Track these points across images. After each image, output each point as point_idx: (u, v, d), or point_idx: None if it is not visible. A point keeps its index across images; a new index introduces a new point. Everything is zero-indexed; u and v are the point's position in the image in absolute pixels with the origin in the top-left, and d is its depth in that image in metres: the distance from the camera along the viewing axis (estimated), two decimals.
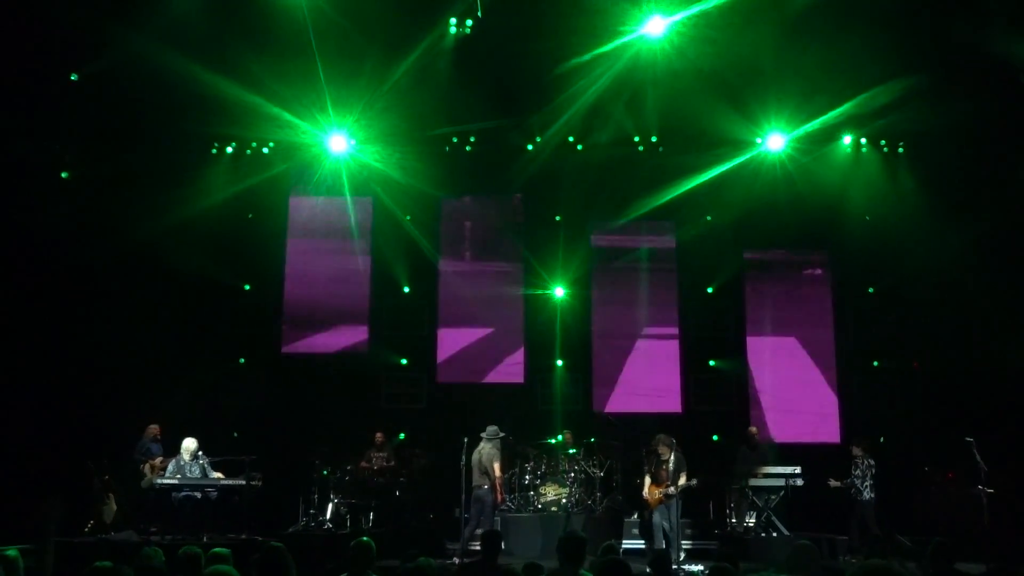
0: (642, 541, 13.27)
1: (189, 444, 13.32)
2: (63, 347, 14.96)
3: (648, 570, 8.13)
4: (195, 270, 16.02)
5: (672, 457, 12.34)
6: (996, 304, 14.62)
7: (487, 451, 12.56)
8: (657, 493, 12.37)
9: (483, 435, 12.73)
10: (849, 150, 16.80)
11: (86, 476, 13.66)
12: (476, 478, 12.55)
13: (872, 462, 13.45)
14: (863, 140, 16.71)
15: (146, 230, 15.24)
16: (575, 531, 7.07)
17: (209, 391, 16.17)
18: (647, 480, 12.66)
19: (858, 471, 13.29)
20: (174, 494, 12.77)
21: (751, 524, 14.19)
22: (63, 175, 15.66)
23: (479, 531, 12.09)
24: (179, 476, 13.01)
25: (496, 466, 12.46)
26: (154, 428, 14.03)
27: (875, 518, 13.24)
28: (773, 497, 14.36)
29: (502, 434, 12.85)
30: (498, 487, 12.41)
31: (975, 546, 11.27)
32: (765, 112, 15.60)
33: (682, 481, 12.23)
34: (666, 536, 12.12)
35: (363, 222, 17.49)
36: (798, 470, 14.15)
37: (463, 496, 12.66)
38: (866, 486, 13.19)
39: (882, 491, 13.69)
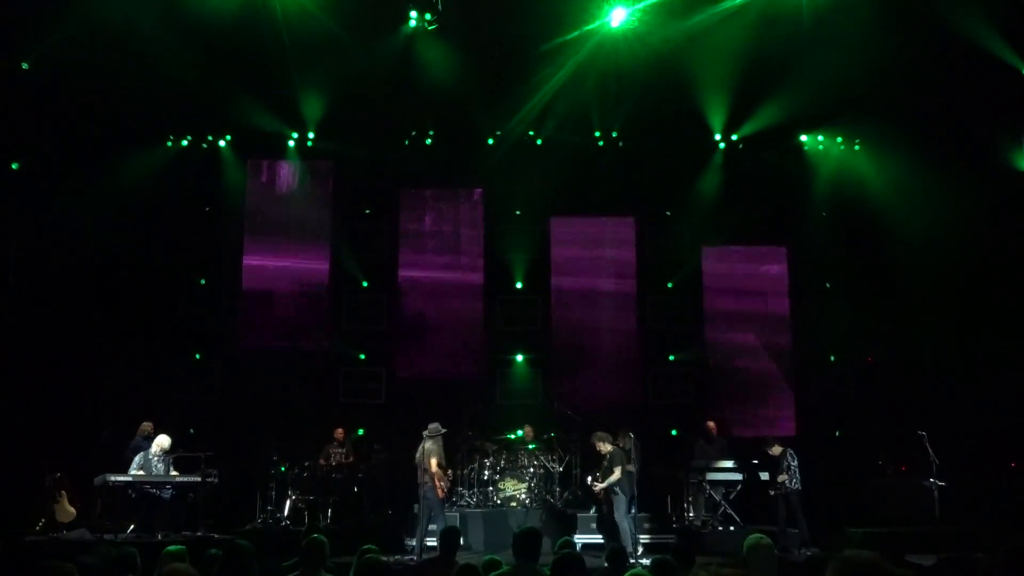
0: (600, 536, 13.39)
1: (163, 441, 13.18)
2: (11, 342, 14.75)
3: (605, 564, 8.22)
4: (150, 264, 15.90)
5: (610, 452, 12.56)
6: (949, 299, 14.91)
7: (427, 448, 12.63)
8: (595, 488, 12.68)
9: (425, 432, 12.80)
10: (807, 147, 17.08)
11: (37, 474, 13.48)
12: (419, 475, 12.63)
13: (793, 453, 13.60)
14: (820, 137, 16.98)
15: (99, 223, 15.07)
16: (531, 526, 7.10)
17: (164, 386, 16.06)
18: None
19: (787, 467, 13.41)
20: (131, 491, 12.64)
21: (708, 518, 14.36)
22: (13, 166, 15.43)
23: (432, 527, 12.16)
24: (142, 471, 12.88)
25: (433, 462, 12.51)
26: (147, 426, 13.84)
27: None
28: (730, 491, 14.55)
29: (443, 430, 12.90)
30: (436, 483, 12.45)
31: (926, 537, 11.51)
32: (725, 105, 15.79)
33: (613, 477, 12.43)
34: (620, 530, 12.28)
35: (322, 215, 17.43)
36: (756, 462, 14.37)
37: (420, 492, 12.72)
38: (796, 479, 13.36)
39: (836, 483, 13.92)
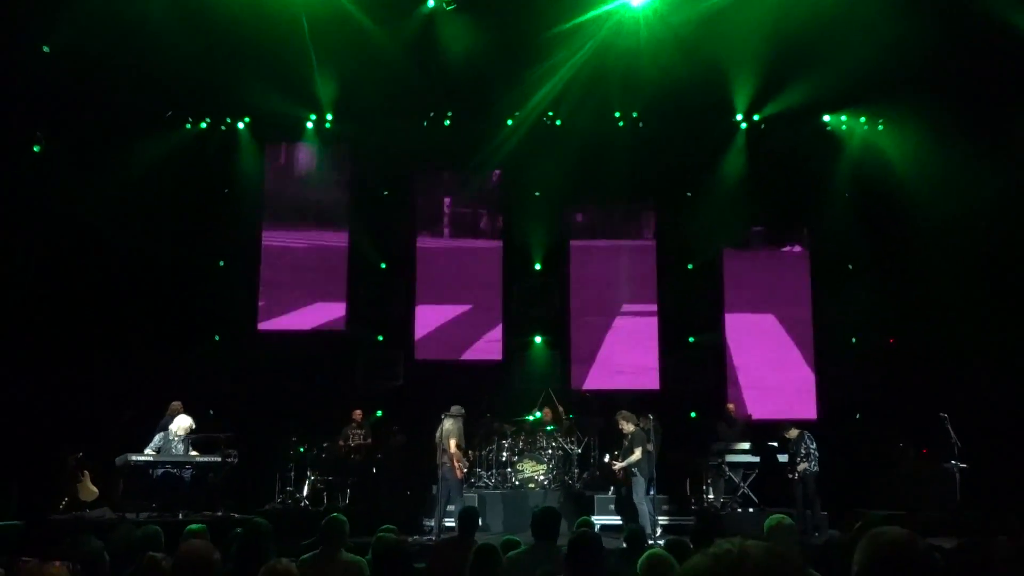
0: (618, 517, 13.43)
1: (184, 422, 13.28)
2: (33, 326, 14.88)
3: (624, 546, 8.24)
4: (169, 246, 15.98)
5: (632, 432, 12.58)
6: (973, 281, 14.80)
7: (446, 428, 12.72)
8: (613, 467, 12.72)
9: (443, 414, 12.87)
10: (831, 127, 16.97)
11: (59, 455, 13.63)
12: (438, 456, 12.71)
13: (811, 436, 13.58)
14: (843, 117, 16.86)
15: (118, 206, 15.15)
16: (549, 506, 7.13)
17: (184, 369, 16.16)
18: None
19: (805, 450, 13.39)
20: (152, 471, 12.77)
21: (727, 500, 14.38)
22: (35, 148, 15.51)
23: (450, 508, 12.23)
24: (159, 451, 12.99)
25: (452, 442, 12.58)
26: (176, 405, 13.94)
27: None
28: (749, 473, 14.55)
29: (463, 411, 12.97)
30: (454, 464, 12.52)
31: (947, 521, 11.47)
32: (747, 87, 15.70)
33: (632, 457, 12.45)
34: (639, 512, 12.32)
35: (340, 197, 17.48)
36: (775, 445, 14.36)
37: (439, 473, 12.80)
38: (814, 462, 13.35)
39: (856, 466, 13.89)
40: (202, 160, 16.57)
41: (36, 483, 13.32)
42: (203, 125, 16.81)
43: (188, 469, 12.96)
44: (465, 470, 12.98)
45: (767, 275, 17.52)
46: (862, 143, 16.91)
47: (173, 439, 13.16)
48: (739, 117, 16.74)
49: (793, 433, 13.58)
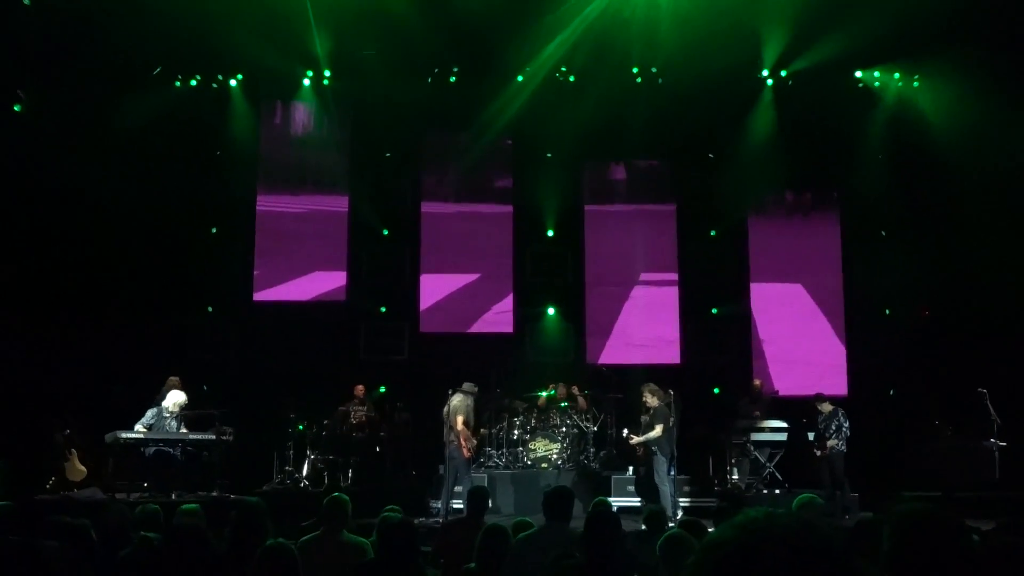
0: (637, 498, 13.50)
1: (178, 397, 13.35)
2: (17, 297, 14.96)
3: (643, 527, 8.28)
4: (158, 212, 15.98)
5: (655, 408, 12.61)
6: (1014, 247, 14.72)
7: (454, 404, 12.77)
8: (632, 442, 12.83)
9: (451, 390, 12.94)
10: (863, 84, 16.86)
11: (46, 431, 13.74)
12: (445, 434, 12.79)
13: (845, 413, 13.61)
14: (876, 73, 16.74)
15: (103, 169, 15.15)
16: (562, 485, 7.17)
17: (176, 342, 16.24)
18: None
19: (836, 427, 13.41)
20: (144, 449, 12.86)
21: (752, 480, 14.43)
22: (16, 108, 15.52)
23: (458, 488, 12.31)
24: (151, 427, 13.08)
25: (459, 419, 12.63)
26: (174, 380, 14.05)
27: None
28: (775, 452, 14.58)
29: (476, 388, 13.02)
30: (461, 442, 12.59)
31: (986, 502, 11.50)
32: (774, 41, 15.59)
33: (652, 434, 12.50)
34: (660, 493, 12.38)
35: (339, 159, 17.46)
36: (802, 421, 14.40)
37: (446, 452, 12.87)
38: (843, 441, 13.40)
39: (889, 445, 13.90)
40: (192, 120, 16.50)
41: (21, 461, 13.45)
42: (193, 83, 16.76)
43: (181, 447, 13.05)
44: (473, 449, 13.03)
45: (795, 242, 17.46)
46: (896, 100, 16.81)
47: (166, 415, 13.23)
48: (765, 73, 16.63)
49: (826, 407, 13.61)
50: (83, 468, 13.74)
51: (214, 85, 16.92)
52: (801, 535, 1.47)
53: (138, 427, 13.00)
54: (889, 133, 16.69)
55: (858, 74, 16.74)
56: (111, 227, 15.78)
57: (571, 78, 16.69)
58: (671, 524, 10.04)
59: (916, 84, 16.70)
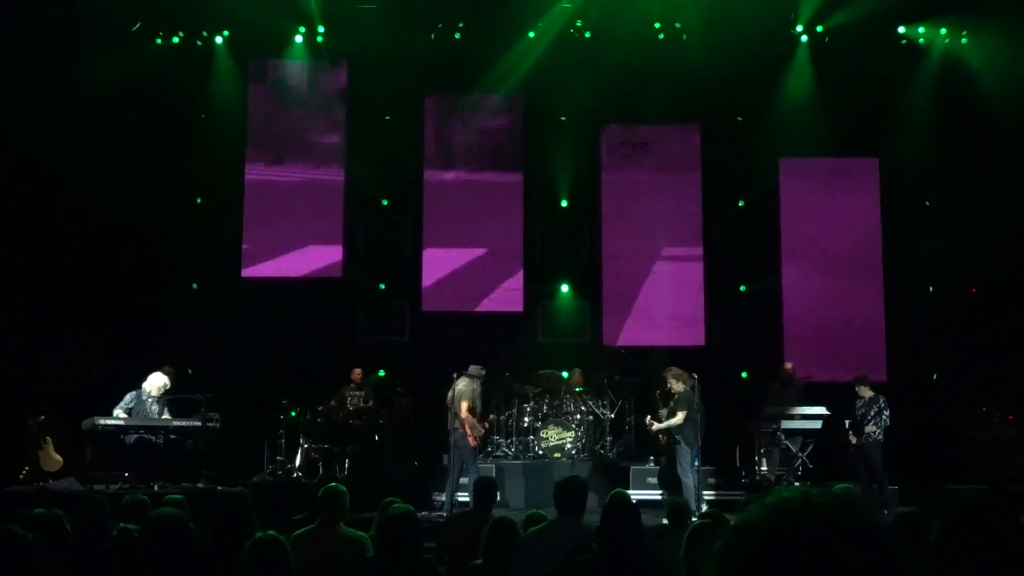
0: (658, 491, 13.52)
1: (158, 381, 13.34)
2: None
3: (665, 521, 8.29)
4: (138, 180, 15.97)
5: (679, 393, 12.61)
6: None
7: (459, 389, 12.81)
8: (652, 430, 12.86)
9: (456, 373, 12.95)
10: (905, 40, 16.74)
11: (19, 418, 13.78)
12: (449, 421, 12.81)
13: (886, 401, 13.61)
14: (921, 29, 16.61)
15: (80, 133, 15.15)
16: (575, 476, 7.16)
17: (158, 321, 16.26)
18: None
19: (876, 414, 13.40)
20: (124, 436, 12.90)
21: (782, 472, 14.42)
22: None
23: (463, 480, 12.33)
24: (131, 412, 13.10)
25: (463, 405, 12.65)
26: (167, 370, 14.07)
27: None
28: (808, 442, 14.57)
29: (483, 372, 13.03)
30: (465, 429, 12.61)
31: None
32: None
33: (673, 420, 12.51)
34: (683, 485, 12.41)
35: (335, 124, 17.41)
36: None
37: (451, 441, 12.90)
38: (880, 430, 13.38)
39: (933, 434, 13.87)
40: (174, 82, 16.48)
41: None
42: (175, 40, 16.70)
43: (164, 434, 13.07)
44: (480, 438, 13.05)
45: (831, 213, 17.36)
46: (943, 58, 16.67)
47: (146, 399, 13.25)
48: (800, 29, 16.51)
49: (867, 393, 13.59)
50: (59, 458, 13.78)
51: (198, 43, 16.86)
52: (839, 515, 1.45)
53: (117, 411, 13.01)
54: (934, 94, 16.56)
55: (901, 29, 16.60)
56: (87, 198, 15.79)
57: (587, 34, 16.59)
58: (694, 519, 10.06)
59: (964, 40, 16.56)
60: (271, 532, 4.20)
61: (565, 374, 15.69)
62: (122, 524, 5.56)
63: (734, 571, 1.45)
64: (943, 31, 16.62)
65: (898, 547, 1.47)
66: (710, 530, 4.86)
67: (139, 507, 6.44)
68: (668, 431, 12.80)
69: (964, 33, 16.53)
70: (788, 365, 15.65)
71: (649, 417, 13.53)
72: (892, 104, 16.76)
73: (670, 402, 12.95)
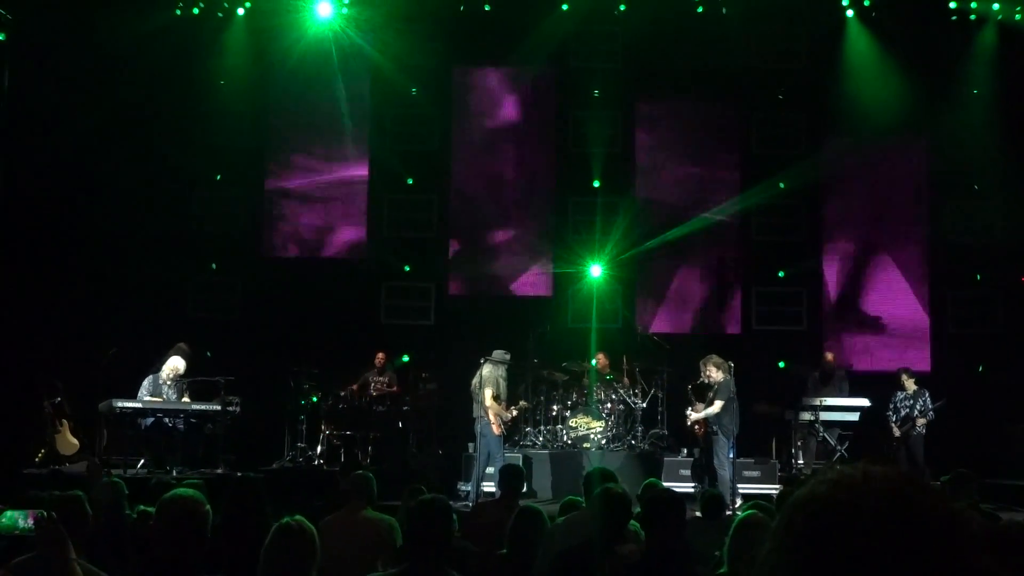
0: (691, 484, 13.51)
1: (178, 364, 13.49)
2: (3, 253, 15.12)
3: (698, 514, 8.31)
4: (156, 155, 16.05)
5: (719, 382, 12.59)
6: None
7: (484, 375, 12.84)
8: (689, 421, 12.86)
9: (483, 358, 12.99)
10: (956, 16, 16.59)
11: (34, 400, 13.91)
12: (475, 408, 12.87)
13: (928, 395, 13.61)
14: (973, 4, 16.45)
15: (96, 106, 15.23)
16: (604, 467, 7.20)
17: (176, 302, 16.36)
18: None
19: (921, 407, 13.40)
20: (140, 420, 13.00)
21: (820, 465, 14.38)
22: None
23: (490, 470, 12.37)
24: (149, 398, 13.22)
25: (487, 393, 12.69)
26: (182, 347, 14.20)
27: None
28: (847, 434, 14.53)
29: (508, 357, 13.05)
30: (491, 417, 12.65)
31: None
32: None
33: (711, 409, 12.51)
34: (718, 478, 12.41)
35: (360, 100, 17.40)
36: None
37: (476, 428, 12.94)
38: (922, 425, 13.38)
39: (978, 429, 13.81)
40: (194, 54, 16.53)
41: (7, 432, 13.66)
42: (195, 11, 16.74)
43: (183, 418, 13.16)
44: (506, 425, 13.08)
45: (875, 196, 17.25)
46: (996, 33, 16.50)
47: (163, 384, 13.35)
48: (846, 2, 16.38)
49: (911, 385, 13.57)
50: (74, 441, 13.92)
51: (219, 14, 16.87)
52: (901, 488, 1.47)
53: (145, 396, 13.13)
54: (986, 72, 16.43)
55: (952, 4, 16.43)
56: (105, 179, 15.89)
57: (621, 7, 16.52)
58: (728, 512, 10.07)
59: (1019, 16, 16.38)
60: (298, 516, 4.25)
61: (593, 362, 15.63)
62: (141, 507, 5.64)
63: (794, 546, 1.47)
64: (996, 5, 16.44)
65: (964, 521, 1.48)
66: (757, 524, 4.87)
67: (166, 490, 6.52)
68: (706, 421, 12.79)
69: (1019, 7, 16.35)
70: (829, 355, 15.60)
71: (689, 409, 13.49)
72: (942, 82, 16.59)
73: (708, 393, 12.93)
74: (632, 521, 6.03)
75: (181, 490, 4.65)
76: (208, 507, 4.57)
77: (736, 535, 4.91)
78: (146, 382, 13.35)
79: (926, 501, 1.46)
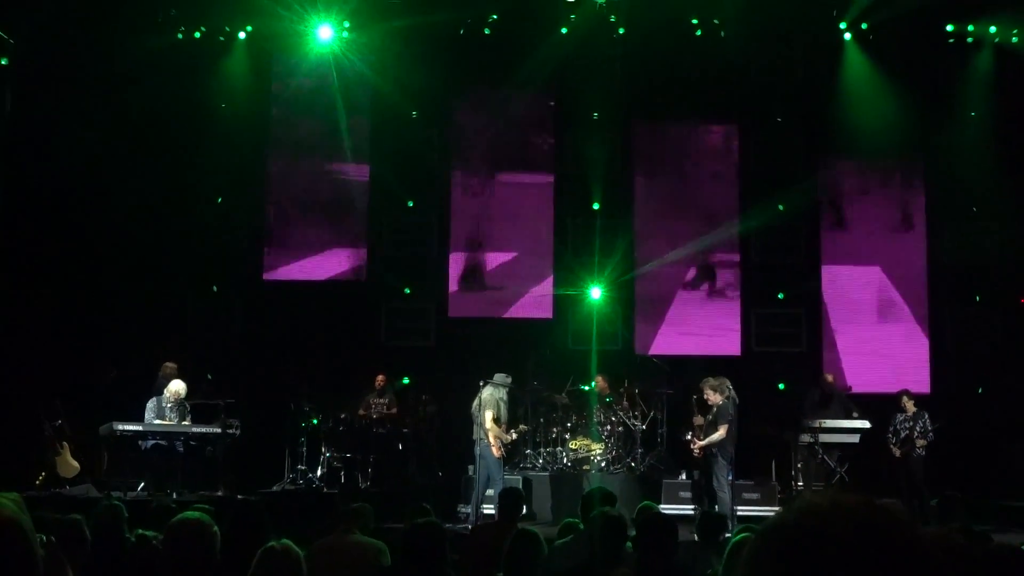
0: (690, 506, 13.52)
1: (179, 387, 13.56)
2: (4, 273, 15.17)
3: (695, 536, 8.32)
4: (157, 179, 16.11)
5: (719, 405, 12.60)
6: None
7: (484, 398, 12.90)
8: (692, 447, 12.85)
9: (483, 381, 13.03)
10: (953, 40, 16.68)
11: (34, 422, 13.95)
12: (475, 430, 12.92)
13: (928, 416, 13.67)
14: (970, 27, 16.55)
15: (97, 128, 15.31)
16: (602, 488, 7.24)
17: (176, 324, 16.40)
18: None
19: (920, 429, 13.46)
20: (140, 442, 13.05)
21: (820, 487, 14.40)
22: (2, 61, 15.70)
23: (490, 492, 12.40)
24: (158, 421, 13.28)
25: (488, 415, 12.74)
26: (170, 366, 14.26)
27: None
28: (847, 455, 14.55)
29: (509, 380, 13.09)
30: (491, 439, 12.69)
31: None
32: None
33: (716, 435, 12.50)
34: (718, 500, 12.42)
35: (360, 121, 17.48)
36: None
37: (476, 451, 12.98)
38: (921, 446, 13.43)
39: (977, 450, 13.83)
40: (196, 77, 16.62)
41: (7, 455, 13.69)
42: (196, 35, 16.84)
43: (183, 440, 13.21)
44: (506, 448, 13.12)
45: (873, 218, 17.32)
46: (993, 57, 16.58)
47: (166, 407, 13.42)
48: (843, 26, 16.48)
49: (911, 407, 13.61)
50: (75, 464, 13.92)
51: (220, 38, 16.97)
52: (868, 516, 1.51)
53: (156, 421, 13.19)
54: (983, 95, 16.51)
55: (949, 27, 16.53)
56: (105, 200, 15.94)
57: (620, 30, 16.61)
58: (726, 535, 10.09)
59: (1016, 39, 16.47)
60: (284, 540, 4.30)
61: (593, 384, 15.65)
62: (140, 531, 5.69)
63: (764, 573, 1.52)
64: (993, 29, 16.54)
65: (929, 546, 1.53)
66: None
67: (166, 513, 6.57)
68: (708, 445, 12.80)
69: (1015, 31, 16.45)
70: (828, 376, 15.63)
71: (691, 434, 13.51)
72: (939, 105, 16.70)
73: (707, 415, 12.94)
74: (628, 543, 6.07)
75: (190, 513, 4.71)
76: (216, 529, 4.62)
77: (731, 558, 4.95)
78: (151, 404, 13.42)
79: (893, 528, 1.51)
